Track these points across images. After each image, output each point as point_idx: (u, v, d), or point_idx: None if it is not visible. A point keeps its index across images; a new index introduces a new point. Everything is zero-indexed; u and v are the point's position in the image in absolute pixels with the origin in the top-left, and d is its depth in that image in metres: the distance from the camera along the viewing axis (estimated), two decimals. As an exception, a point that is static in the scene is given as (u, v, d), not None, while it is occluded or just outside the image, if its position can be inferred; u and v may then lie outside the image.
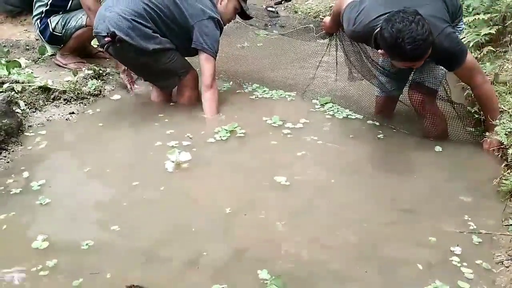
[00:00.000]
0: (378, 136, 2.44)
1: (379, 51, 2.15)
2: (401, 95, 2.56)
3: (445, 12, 2.19)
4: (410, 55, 1.96)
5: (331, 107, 2.74)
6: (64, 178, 2.10)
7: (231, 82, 3.14)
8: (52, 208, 1.88)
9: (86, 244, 1.66)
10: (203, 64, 2.65)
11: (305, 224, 1.77)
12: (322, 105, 2.77)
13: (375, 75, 2.57)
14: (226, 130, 2.45)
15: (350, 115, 2.67)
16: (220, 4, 2.72)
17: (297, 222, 1.79)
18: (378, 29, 2.08)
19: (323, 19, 2.89)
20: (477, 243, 1.66)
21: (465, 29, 3.13)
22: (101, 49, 2.78)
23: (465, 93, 2.88)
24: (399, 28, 1.91)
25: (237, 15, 2.87)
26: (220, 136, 2.40)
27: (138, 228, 1.77)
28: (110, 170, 2.14)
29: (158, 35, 2.53)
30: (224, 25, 2.79)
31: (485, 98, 2.26)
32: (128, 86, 3.00)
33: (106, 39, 2.46)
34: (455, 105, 2.35)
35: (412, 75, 2.41)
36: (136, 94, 2.98)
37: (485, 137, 2.25)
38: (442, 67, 2.32)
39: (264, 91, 2.98)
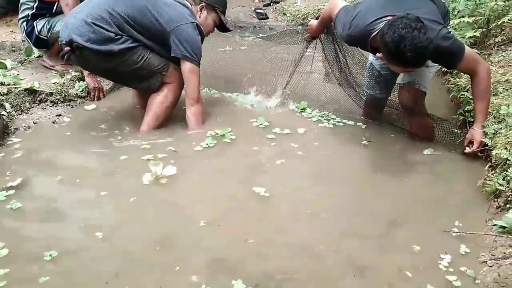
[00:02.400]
0: (363, 142, 2.42)
1: (377, 54, 2.16)
2: (389, 97, 2.56)
3: (438, 13, 2.23)
4: (411, 62, 1.98)
5: (313, 113, 2.70)
6: (39, 184, 2.03)
7: (210, 88, 3.02)
8: (23, 214, 1.82)
9: (50, 255, 1.58)
10: (187, 75, 2.44)
11: (283, 236, 1.73)
12: (301, 109, 2.75)
13: (358, 81, 2.58)
14: (216, 133, 2.41)
15: (335, 119, 2.66)
16: (199, 17, 2.55)
17: (275, 233, 1.75)
18: (376, 32, 2.10)
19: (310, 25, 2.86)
20: (464, 252, 1.66)
21: (451, 32, 3.18)
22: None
23: (450, 95, 2.92)
24: (401, 34, 1.92)
25: (215, 28, 2.72)
26: (207, 143, 2.34)
27: (105, 242, 1.68)
28: (82, 179, 2.05)
29: (123, 35, 2.34)
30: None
31: (485, 92, 2.23)
32: (92, 93, 2.90)
33: (66, 48, 2.33)
34: (440, 121, 2.38)
35: (402, 77, 2.44)
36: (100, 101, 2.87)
37: (474, 129, 2.23)
38: (432, 68, 2.37)
39: (244, 98, 2.88)
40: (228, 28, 2.74)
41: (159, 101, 2.49)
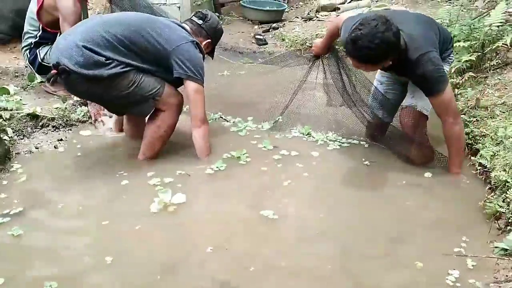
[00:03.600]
0: (365, 163, 2.45)
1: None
2: (391, 121, 2.56)
3: (435, 40, 2.25)
4: (346, 46, 2.07)
5: (317, 136, 2.72)
6: (41, 211, 2.01)
7: (211, 113, 3.01)
8: (24, 241, 1.80)
9: (49, 286, 1.55)
10: (192, 95, 2.34)
11: (289, 258, 1.73)
12: (306, 134, 2.75)
13: (363, 101, 2.59)
14: (232, 155, 2.43)
15: (340, 141, 2.68)
16: (201, 43, 2.47)
17: (281, 256, 1.74)
18: None
19: (311, 46, 2.91)
20: (471, 267, 1.67)
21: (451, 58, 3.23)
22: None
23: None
24: (365, 22, 2.00)
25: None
26: (217, 167, 2.33)
27: (109, 270, 1.65)
28: (84, 207, 2.03)
29: (114, 60, 2.21)
30: None
31: (453, 139, 2.27)
32: (93, 118, 2.88)
33: (52, 71, 2.21)
34: (436, 153, 2.39)
35: (405, 101, 2.46)
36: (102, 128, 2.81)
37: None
38: None
39: (245, 123, 2.88)
40: (212, 56, 2.68)
41: (153, 131, 2.40)
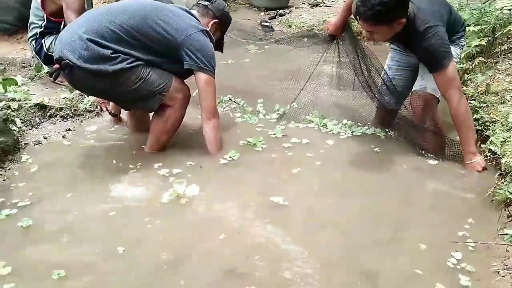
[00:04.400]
0: (376, 149, 2.45)
1: None
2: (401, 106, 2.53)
3: (444, 16, 2.24)
4: (361, 10, 2.05)
5: (330, 126, 2.69)
6: (51, 201, 2.01)
7: (221, 96, 3.01)
8: (33, 231, 1.80)
9: (57, 274, 1.55)
10: (203, 87, 2.27)
11: (298, 244, 1.73)
12: (318, 122, 2.73)
13: (375, 86, 2.55)
14: (248, 142, 2.43)
15: (352, 129, 2.66)
16: (209, 29, 2.39)
17: (291, 242, 1.75)
18: None
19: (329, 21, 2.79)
20: (473, 250, 1.67)
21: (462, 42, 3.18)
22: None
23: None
24: None
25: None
26: (231, 156, 2.32)
27: (120, 259, 1.65)
28: (94, 198, 2.02)
29: (120, 54, 2.13)
30: None
31: (462, 116, 2.22)
32: (98, 107, 2.89)
33: (55, 66, 2.15)
34: (448, 141, 2.36)
35: (415, 84, 2.44)
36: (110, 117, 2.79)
37: (466, 163, 2.24)
38: None
39: (253, 115, 2.85)
40: (221, 48, 2.62)
41: (160, 126, 2.36)
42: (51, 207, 1.97)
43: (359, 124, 2.71)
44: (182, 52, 2.22)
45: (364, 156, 2.42)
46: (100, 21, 2.16)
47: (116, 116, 2.77)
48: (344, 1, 2.62)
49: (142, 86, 2.21)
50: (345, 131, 2.64)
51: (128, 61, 2.15)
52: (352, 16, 2.45)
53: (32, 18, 3.26)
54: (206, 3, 2.45)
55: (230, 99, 3.05)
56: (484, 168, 2.21)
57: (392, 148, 2.47)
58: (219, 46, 2.56)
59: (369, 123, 2.70)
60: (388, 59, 2.65)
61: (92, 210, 1.96)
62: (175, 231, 1.83)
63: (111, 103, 2.76)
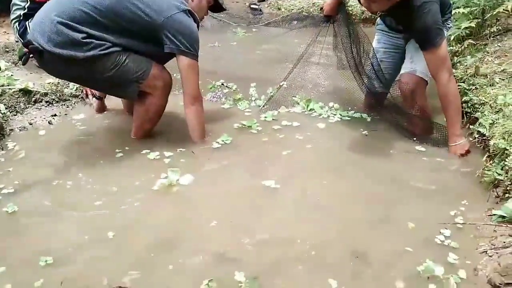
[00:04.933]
0: (364, 132, 2.46)
1: None
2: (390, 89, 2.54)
3: None
4: None
5: (318, 110, 2.67)
6: (37, 187, 1.98)
7: (213, 81, 3.00)
8: (19, 217, 1.78)
9: (45, 261, 1.53)
10: (185, 71, 2.16)
11: (289, 227, 1.74)
12: (304, 105, 2.72)
13: (364, 72, 2.54)
14: (243, 125, 2.42)
15: (341, 113, 2.65)
16: (192, 0, 2.27)
17: (281, 225, 1.75)
18: None
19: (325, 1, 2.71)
20: (462, 230, 1.69)
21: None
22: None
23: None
24: None
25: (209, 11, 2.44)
26: (223, 140, 2.31)
27: (109, 244, 1.63)
28: (83, 183, 1.99)
29: (93, 40, 2.02)
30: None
31: (450, 97, 2.20)
32: (84, 92, 2.79)
33: (24, 49, 2.05)
34: (436, 125, 2.36)
35: (404, 66, 2.42)
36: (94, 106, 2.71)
37: (451, 145, 2.23)
38: None
39: (241, 99, 2.82)
40: (224, 7, 2.46)
41: (142, 114, 2.29)
42: (38, 193, 1.94)
43: (347, 108, 2.70)
44: (162, 35, 2.09)
45: (353, 139, 2.42)
46: (73, 2, 2.04)
47: (100, 100, 2.69)
48: None
49: (118, 74, 2.10)
50: (334, 115, 2.64)
51: (102, 48, 2.04)
52: None
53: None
54: None
55: (222, 84, 3.01)
56: (468, 152, 2.21)
57: (381, 131, 2.48)
58: (218, 8, 2.44)
59: (355, 107, 2.69)
60: (374, 42, 2.62)
61: (80, 196, 1.93)
62: (166, 217, 1.81)
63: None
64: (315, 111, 2.68)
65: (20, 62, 3.27)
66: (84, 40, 2.00)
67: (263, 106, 2.73)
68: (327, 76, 2.87)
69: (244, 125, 2.47)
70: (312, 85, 2.91)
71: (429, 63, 2.22)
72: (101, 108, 2.72)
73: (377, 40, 2.63)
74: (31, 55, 2.10)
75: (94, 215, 1.81)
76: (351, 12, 2.67)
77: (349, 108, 2.69)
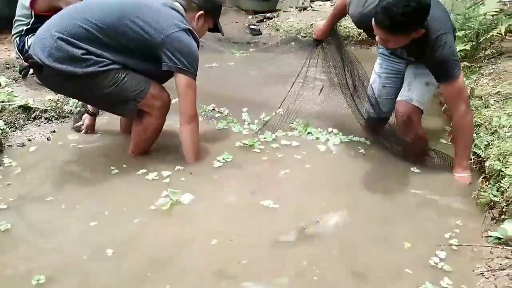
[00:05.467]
0: (361, 151, 2.47)
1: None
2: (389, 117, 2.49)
3: (449, 22, 2.17)
4: (376, 16, 1.90)
5: (316, 134, 2.66)
6: (33, 205, 1.96)
7: (204, 105, 2.95)
8: (12, 235, 1.76)
9: (37, 280, 1.52)
10: (183, 90, 2.16)
11: (288, 245, 1.75)
12: (301, 129, 2.69)
13: (357, 96, 2.52)
14: (244, 144, 2.43)
15: (339, 135, 2.64)
16: (196, 24, 2.28)
17: (281, 243, 1.76)
18: None
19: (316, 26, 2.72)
20: (458, 252, 1.69)
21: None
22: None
23: (443, 108, 2.95)
24: None
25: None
26: (224, 158, 2.32)
27: (107, 262, 1.62)
28: (80, 205, 1.96)
29: (92, 56, 2.04)
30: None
31: (466, 129, 2.17)
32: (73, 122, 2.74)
33: (24, 63, 2.06)
34: (436, 153, 2.33)
35: (401, 93, 2.39)
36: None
37: (454, 175, 2.21)
38: (432, 87, 2.31)
39: (235, 122, 2.80)
40: (221, 30, 2.47)
41: (139, 133, 2.31)
42: (33, 211, 1.93)
43: (346, 133, 2.66)
44: (161, 53, 2.11)
45: (351, 159, 2.43)
46: (74, 19, 2.06)
47: (93, 116, 2.63)
48: (333, 5, 2.61)
49: (116, 92, 2.11)
50: (333, 138, 2.61)
51: (101, 64, 2.06)
52: (339, 22, 2.43)
53: (18, 15, 3.18)
54: None
55: (214, 108, 2.98)
56: (470, 184, 2.18)
57: (378, 151, 2.49)
58: (216, 30, 2.45)
59: (352, 135, 2.65)
60: (376, 66, 2.59)
61: (76, 214, 1.92)
62: (166, 235, 1.80)
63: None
64: (312, 135, 2.66)
65: (20, 77, 3.33)
66: (83, 56, 2.03)
67: (258, 130, 2.70)
68: (324, 100, 2.84)
69: (246, 144, 2.48)
70: (309, 109, 2.87)
71: (446, 95, 2.19)
72: (91, 126, 2.66)
73: (379, 64, 2.57)
74: (31, 70, 2.12)
75: (90, 232, 1.80)
76: (347, 34, 2.69)
77: (347, 133, 2.66)
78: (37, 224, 1.85)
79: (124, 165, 2.28)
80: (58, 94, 2.97)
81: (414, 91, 2.33)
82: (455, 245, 1.74)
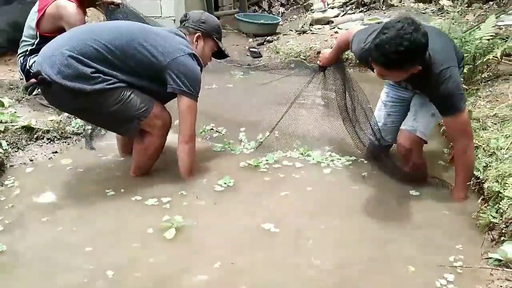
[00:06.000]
0: (363, 174, 2.47)
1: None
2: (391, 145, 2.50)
3: (454, 53, 2.17)
4: (373, 52, 1.90)
5: (316, 157, 2.64)
6: (30, 226, 1.97)
7: (203, 125, 2.95)
8: (5, 257, 1.76)
9: None
10: (184, 111, 2.25)
11: (290, 268, 1.75)
12: (306, 154, 2.67)
13: (357, 123, 2.53)
14: (249, 164, 2.45)
15: (339, 159, 2.63)
16: (196, 47, 2.37)
17: (283, 266, 1.76)
18: None
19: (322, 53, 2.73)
20: (459, 274, 1.69)
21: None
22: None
23: (441, 129, 2.98)
24: (391, 25, 1.85)
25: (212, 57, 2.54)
26: (225, 182, 2.32)
27: (109, 285, 1.63)
28: (76, 224, 1.98)
29: (100, 74, 2.09)
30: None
31: (467, 163, 2.18)
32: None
33: (31, 80, 2.09)
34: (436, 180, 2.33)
35: (404, 123, 2.39)
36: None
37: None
38: (437, 118, 2.31)
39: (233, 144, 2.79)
40: (226, 54, 2.56)
41: (141, 153, 2.36)
42: (30, 233, 1.93)
43: (345, 155, 2.66)
44: (166, 75, 2.19)
45: (352, 181, 2.42)
46: (84, 39, 2.12)
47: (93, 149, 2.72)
48: (332, 29, 2.65)
49: (121, 109, 2.16)
50: (332, 161, 2.61)
51: (108, 82, 2.11)
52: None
53: (24, 36, 3.22)
54: (183, 22, 2.42)
55: (212, 128, 3.00)
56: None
57: (379, 174, 2.49)
58: (220, 55, 2.53)
59: (353, 156, 2.65)
60: (383, 95, 2.59)
61: (76, 236, 1.91)
62: (166, 259, 1.79)
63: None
64: (312, 158, 2.64)
65: (25, 95, 3.36)
66: (92, 75, 2.08)
67: (256, 148, 2.73)
68: (324, 122, 2.85)
69: (251, 164, 2.49)
70: (308, 133, 2.87)
71: (449, 128, 2.19)
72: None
73: (386, 93, 2.57)
74: (37, 86, 2.14)
75: (88, 258, 1.78)
76: (346, 57, 2.72)
77: (348, 155, 2.65)
78: (31, 246, 1.83)
79: (122, 190, 2.27)
80: (61, 115, 3.01)
81: (420, 121, 2.33)
82: (456, 267, 1.73)
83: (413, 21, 1.86)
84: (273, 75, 2.97)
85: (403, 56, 1.85)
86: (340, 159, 2.64)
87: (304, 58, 4.61)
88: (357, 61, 2.90)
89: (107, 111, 2.16)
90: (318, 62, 2.70)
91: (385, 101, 2.57)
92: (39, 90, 2.21)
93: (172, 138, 2.44)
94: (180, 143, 2.31)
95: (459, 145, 2.15)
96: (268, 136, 2.82)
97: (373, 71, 2.15)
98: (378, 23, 4.65)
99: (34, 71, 2.11)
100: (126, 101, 2.16)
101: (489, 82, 3.40)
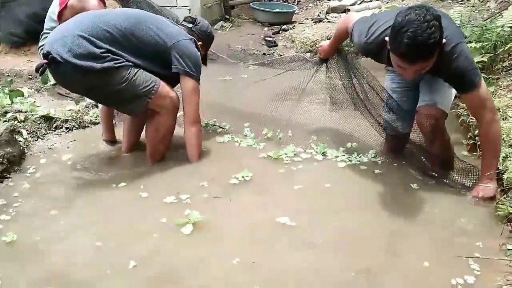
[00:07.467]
0: (376, 171, 2.40)
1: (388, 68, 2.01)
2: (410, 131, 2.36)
3: (461, 33, 2.11)
4: (403, 51, 1.80)
5: (333, 154, 2.56)
6: (43, 216, 1.98)
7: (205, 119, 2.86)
8: (16, 247, 1.77)
9: None
10: (187, 92, 2.33)
11: (304, 263, 1.74)
12: (322, 153, 2.57)
13: (374, 110, 2.45)
14: (269, 156, 2.43)
15: (354, 157, 2.53)
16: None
17: (297, 259, 1.75)
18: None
19: (321, 45, 2.71)
20: (478, 271, 1.66)
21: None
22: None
23: (460, 120, 2.93)
24: (411, 18, 1.75)
25: None
26: (243, 176, 2.28)
27: (127, 276, 1.62)
28: (91, 215, 1.99)
29: (110, 54, 2.17)
30: None
31: (493, 139, 2.05)
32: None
33: (42, 61, 2.13)
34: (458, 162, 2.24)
35: (420, 99, 2.25)
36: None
37: (479, 185, 2.10)
38: (451, 89, 2.20)
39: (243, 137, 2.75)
40: (206, 63, 2.62)
41: (153, 135, 2.40)
42: (42, 222, 1.94)
43: (360, 153, 2.57)
44: (171, 56, 2.30)
45: (369, 176, 2.36)
46: (95, 22, 2.21)
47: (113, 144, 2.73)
48: (338, 26, 2.50)
49: (128, 87, 2.21)
50: (349, 158, 2.52)
51: (117, 61, 2.18)
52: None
53: (45, 28, 3.26)
54: (190, 25, 2.52)
55: (214, 124, 2.94)
56: (493, 197, 2.07)
57: (394, 169, 2.42)
58: (203, 60, 2.57)
59: (367, 153, 2.56)
60: (388, 82, 2.46)
61: (91, 230, 1.91)
62: (183, 255, 1.78)
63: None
64: (328, 156, 2.56)
65: (42, 88, 3.43)
66: (102, 54, 2.15)
67: (274, 138, 2.72)
68: (337, 117, 2.79)
69: (271, 156, 2.47)
70: (322, 128, 2.82)
71: (470, 105, 2.12)
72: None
73: (391, 79, 2.44)
74: (48, 66, 2.16)
75: (100, 249, 1.79)
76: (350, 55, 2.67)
77: (365, 154, 2.56)
78: (41, 236, 1.84)
79: (140, 185, 2.25)
80: (78, 105, 3.06)
81: (436, 93, 2.20)
82: (474, 257, 1.71)
83: (421, 6, 1.82)
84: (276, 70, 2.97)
85: (437, 35, 1.77)
86: (358, 158, 2.54)
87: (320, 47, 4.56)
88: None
89: (115, 88, 2.21)
90: (319, 55, 2.67)
91: (394, 88, 2.42)
92: (50, 70, 2.22)
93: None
94: (187, 126, 2.38)
95: (482, 122, 2.05)
96: (279, 132, 2.76)
97: (379, 62, 2.12)
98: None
99: (44, 52, 2.14)
100: (133, 78, 2.22)
101: (510, 71, 3.31)
